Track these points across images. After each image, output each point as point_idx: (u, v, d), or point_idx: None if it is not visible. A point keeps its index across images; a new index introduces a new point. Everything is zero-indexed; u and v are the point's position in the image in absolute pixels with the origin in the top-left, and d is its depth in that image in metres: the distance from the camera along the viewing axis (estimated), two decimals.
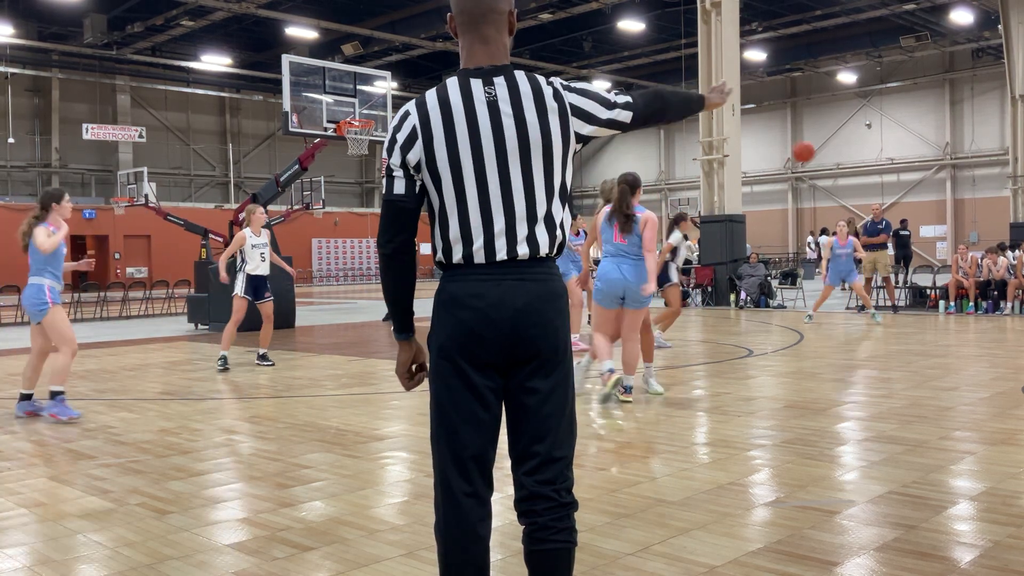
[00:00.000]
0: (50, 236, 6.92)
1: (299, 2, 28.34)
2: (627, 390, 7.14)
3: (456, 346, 2.39)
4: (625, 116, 2.53)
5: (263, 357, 10.18)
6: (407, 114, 2.44)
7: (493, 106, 2.39)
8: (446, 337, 2.40)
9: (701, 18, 19.59)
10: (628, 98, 2.54)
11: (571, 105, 2.47)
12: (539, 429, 2.42)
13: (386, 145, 2.47)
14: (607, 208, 7.15)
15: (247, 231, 10.08)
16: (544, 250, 2.42)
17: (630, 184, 6.99)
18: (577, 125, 2.47)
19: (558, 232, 2.45)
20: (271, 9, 27.89)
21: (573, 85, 2.52)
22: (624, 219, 6.89)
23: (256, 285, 10.05)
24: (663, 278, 10.63)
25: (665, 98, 2.62)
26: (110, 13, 29.28)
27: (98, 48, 31.76)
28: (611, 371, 7.00)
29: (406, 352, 2.55)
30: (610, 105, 2.51)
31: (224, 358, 9.81)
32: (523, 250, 2.39)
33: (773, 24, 31.35)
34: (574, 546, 2.46)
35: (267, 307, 10.20)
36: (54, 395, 6.94)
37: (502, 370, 2.41)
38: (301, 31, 30.07)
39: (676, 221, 11.59)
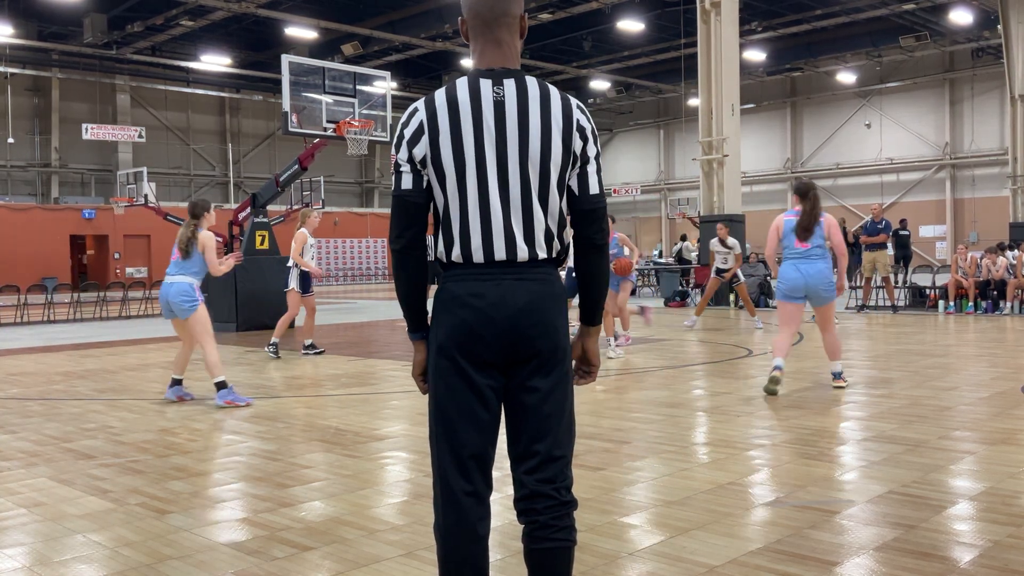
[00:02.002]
0: (219, 252, 7.57)
1: (299, 2, 28.33)
2: (837, 376, 7.75)
3: (455, 344, 2.39)
4: (578, 213, 2.46)
5: (311, 346, 11.09)
6: (415, 110, 2.45)
7: (499, 106, 2.39)
8: (445, 336, 2.41)
9: (701, 18, 19.59)
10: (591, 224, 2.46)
11: (577, 135, 2.43)
12: (539, 428, 2.42)
13: (394, 141, 2.48)
14: (788, 216, 7.63)
15: (305, 231, 10.87)
16: (542, 254, 2.42)
17: (817, 190, 7.65)
18: (575, 147, 2.43)
19: (555, 237, 2.44)
20: (271, 9, 27.87)
21: (593, 144, 2.46)
22: (810, 222, 7.45)
23: (306, 281, 10.97)
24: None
25: (586, 272, 2.50)
26: (110, 13, 29.27)
27: (98, 48, 31.75)
28: (779, 368, 7.41)
29: (421, 352, 2.55)
30: (587, 200, 2.44)
31: (276, 345, 10.78)
32: (521, 252, 2.39)
33: (773, 24, 31.34)
34: (574, 544, 2.46)
35: (311, 301, 11.09)
36: (220, 386, 7.46)
37: (502, 369, 2.41)
38: (301, 31, 30.06)
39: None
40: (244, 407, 7.37)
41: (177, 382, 7.83)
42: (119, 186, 25.87)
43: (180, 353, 7.87)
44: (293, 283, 10.88)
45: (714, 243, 14.25)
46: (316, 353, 11.08)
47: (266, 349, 10.98)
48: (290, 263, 10.95)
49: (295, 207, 26.61)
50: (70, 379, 9.41)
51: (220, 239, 17.78)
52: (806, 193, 7.61)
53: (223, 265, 7.71)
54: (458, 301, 2.40)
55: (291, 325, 11.64)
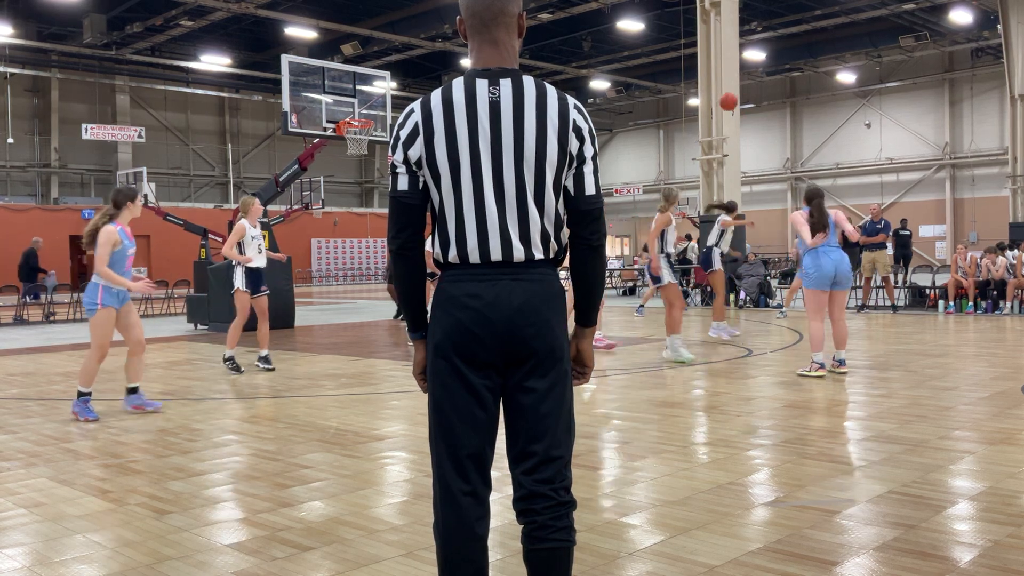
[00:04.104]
0: (116, 244, 6.92)
1: (298, 2, 28.34)
2: (842, 363, 8.55)
3: (452, 345, 2.39)
4: (573, 213, 2.45)
5: (265, 359, 9.79)
6: (411, 111, 2.45)
7: (495, 107, 2.38)
8: (442, 336, 2.40)
9: (701, 18, 19.61)
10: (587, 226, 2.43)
11: (574, 135, 2.41)
12: (536, 428, 2.41)
13: (391, 143, 2.48)
14: (800, 213, 8.50)
15: (245, 222, 9.69)
16: (539, 254, 2.41)
17: (822, 199, 8.58)
18: (572, 147, 2.42)
19: (551, 238, 2.44)
20: (270, 9, 27.88)
21: (590, 144, 2.44)
22: (821, 224, 8.34)
23: (255, 279, 9.68)
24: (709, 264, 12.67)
25: (582, 273, 2.48)
26: (109, 13, 29.27)
27: (97, 48, 31.75)
28: (821, 365, 8.29)
29: (421, 351, 2.55)
30: (583, 200, 2.42)
31: (232, 359, 9.56)
32: (518, 253, 2.39)
33: (773, 24, 31.36)
34: (572, 545, 2.45)
35: (262, 302, 9.78)
36: (80, 395, 7.05)
37: (500, 369, 2.41)
38: (300, 31, 30.06)
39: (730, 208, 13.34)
40: (86, 422, 6.86)
41: (132, 390, 7.21)
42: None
43: (128, 360, 7.23)
44: (238, 283, 9.58)
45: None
46: (267, 369, 9.70)
47: (224, 364, 9.64)
48: (234, 261, 9.76)
49: (295, 207, 26.62)
50: (70, 379, 9.40)
51: (220, 239, 17.81)
52: (811, 199, 8.53)
53: (137, 282, 7.01)
54: (454, 302, 2.39)
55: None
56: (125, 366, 7.29)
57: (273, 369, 9.77)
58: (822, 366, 8.32)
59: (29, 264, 19.63)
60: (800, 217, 8.54)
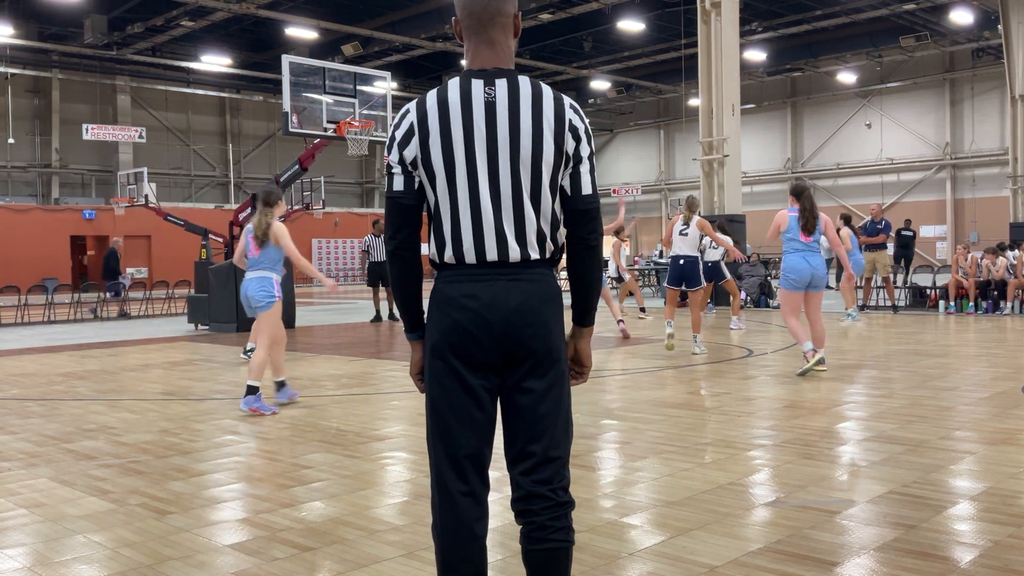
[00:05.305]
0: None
1: (299, 2, 28.33)
2: (821, 361, 8.53)
3: (449, 346, 2.39)
4: (571, 215, 2.45)
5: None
6: (407, 112, 2.45)
7: (490, 107, 2.38)
8: (439, 336, 2.40)
9: (701, 18, 19.60)
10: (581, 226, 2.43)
11: (570, 135, 2.41)
12: (535, 429, 2.42)
13: (387, 143, 2.48)
14: (791, 212, 8.55)
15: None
16: (535, 254, 2.41)
17: (810, 190, 8.76)
18: (568, 147, 2.42)
19: (548, 238, 2.44)
20: (271, 9, 27.87)
21: (587, 144, 2.44)
22: (812, 220, 8.46)
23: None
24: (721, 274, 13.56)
25: (579, 273, 2.48)
26: (110, 14, 29.27)
27: (98, 48, 31.75)
28: (814, 350, 8.38)
29: (418, 352, 2.55)
30: (580, 200, 2.42)
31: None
32: (513, 253, 2.39)
33: (773, 24, 31.34)
34: (571, 545, 2.46)
35: None
36: (251, 391, 7.09)
37: (497, 370, 2.41)
38: (301, 31, 30.06)
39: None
40: (269, 416, 6.98)
41: (280, 384, 7.47)
42: (119, 187, 25.85)
43: (274, 354, 7.40)
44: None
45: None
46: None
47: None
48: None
49: (296, 207, 26.59)
50: (70, 380, 9.41)
51: (221, 239, 17.81)
52: (801, 193, 8.63)
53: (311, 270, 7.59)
54: (451, 302, 2.39)
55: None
56: (272, 361, 7.35)
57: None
58: (815, 351, 8.40)
59: (110, 265, 20.79)
60: (779, 218, 8.63)
